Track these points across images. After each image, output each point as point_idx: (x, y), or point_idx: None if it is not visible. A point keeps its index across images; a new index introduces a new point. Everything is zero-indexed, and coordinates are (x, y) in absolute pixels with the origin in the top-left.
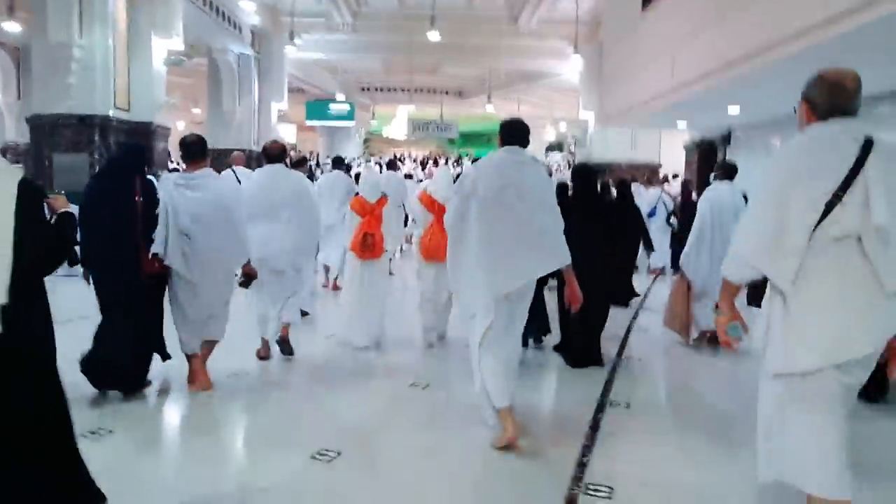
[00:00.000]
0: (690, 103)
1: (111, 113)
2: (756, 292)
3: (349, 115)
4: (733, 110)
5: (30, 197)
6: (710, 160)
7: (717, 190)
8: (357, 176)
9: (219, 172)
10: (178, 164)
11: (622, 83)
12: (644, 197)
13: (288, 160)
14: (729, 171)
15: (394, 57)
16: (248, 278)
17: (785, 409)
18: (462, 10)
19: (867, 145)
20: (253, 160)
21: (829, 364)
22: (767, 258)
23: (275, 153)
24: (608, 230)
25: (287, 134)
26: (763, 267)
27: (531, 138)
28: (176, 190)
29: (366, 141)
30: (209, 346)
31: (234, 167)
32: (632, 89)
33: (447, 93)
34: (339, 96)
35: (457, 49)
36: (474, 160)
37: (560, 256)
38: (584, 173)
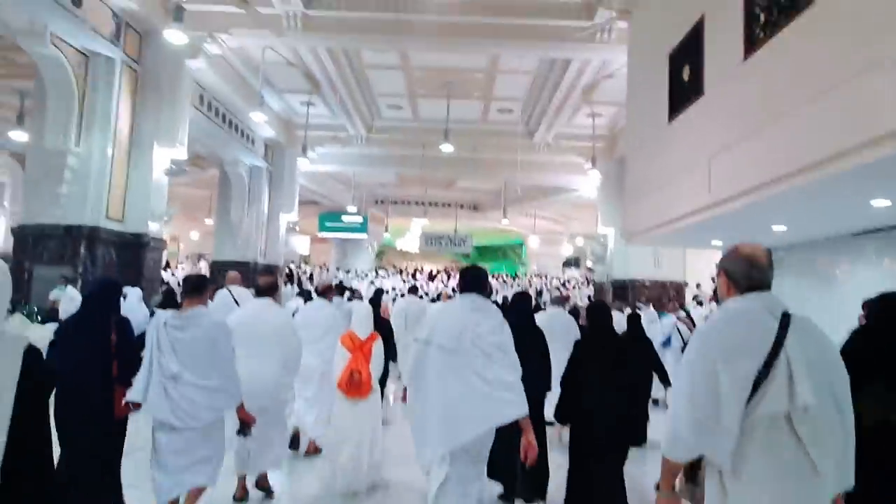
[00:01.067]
0: (728, 221)
1: (101, 223)
2: (692, 471)
3: (362, 228)
4: (778, 229)
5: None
6: None
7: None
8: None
9: (219, 288)
10: (174, 275)
11: (647, 199)
12: (658, 325)
13: (295, 281)
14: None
15: (408, 170)
16: (245, 424)
17: None
18: (477, 125)
19: (784, 321)
20: (258, 273)
21: None
22: (706, 438)
23: (264, 287)
24: (623, 377)
25: (300, 245)
26: (703, 447)
27: (549, 252)
28: (165, 330)
29: (379, 254)
30: (196, 492)
31: (230, 287)
32: (659, 205)
33: (462, 206)
34: (352, 208)
35: (471, 163)
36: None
37: (516, 407)
38: (599, 314)
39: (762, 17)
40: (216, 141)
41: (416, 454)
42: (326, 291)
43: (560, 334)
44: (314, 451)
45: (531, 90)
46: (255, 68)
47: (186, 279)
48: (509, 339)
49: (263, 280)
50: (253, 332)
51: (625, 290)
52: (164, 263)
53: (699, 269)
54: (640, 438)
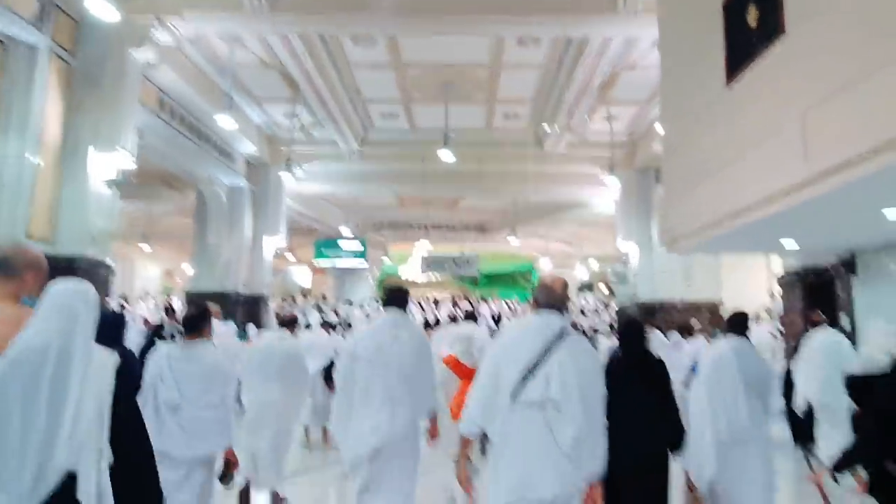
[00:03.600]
0: (824, 205)
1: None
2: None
3: (361, 254)
4: (894, 214)
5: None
6: (821, 298)
7: (721, 349)
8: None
9: None
10: (123, 306)
11: (696, 192)
12: (684, 349)
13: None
14: (736, 323)
15: (407, 189)
16: (230, 466)
17: None
18: (481, 134)
19: (560, 335)
20: (239, 305)
21: (514, 501)
22: (488, 417)
23: (285, 321)
24: (659, 400)
25: (301, 277)
26: (485, 424)
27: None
28: (168, 361)
29: (381, 282)
30: None
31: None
32: (715, 197)
33: (468, 228)
34: (346, 230)
35: (475, 177)
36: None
37: (426, 406)
38: (632, 330)
39: None
40: (185, 156)
41: (344, 462)
42: (289, 323)
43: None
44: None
45: (540, 88)
46: (224, 68)
47: (185, 316)
48: (427, 348)
49: (286, 317)
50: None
51: (653, 314)
52: (116, 295)
53: (737, 286)
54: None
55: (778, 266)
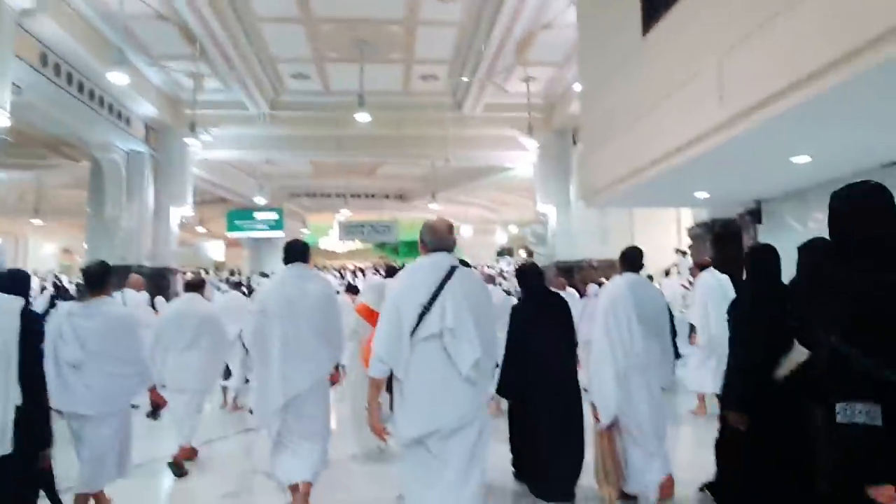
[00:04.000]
0: (736, 150)
1: None
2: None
3: (278, 225)
4: (800, 160)
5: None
6: (728, 247)
7: (617, 285)
8: None
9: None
10: None
11: (613, 144)
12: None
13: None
14: (630, 259)
15: (322, 154)
16: (156, 407)
17: (409, 468)
18: (398, 97)
19: (451, 272)
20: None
21: (425, 432)
22: (394, 356)
23: (192, 284)
24: (562, 327)
25: (214, 251)
26: (392, 363)
27: (483, 242)
28: (68, 319)
29: None
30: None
31: (125, 290)
32: (631, 148)
33: (387, 196)
34: (260, 199)
35: (394, 142)
36: None
37: (336, 355)
38: (527, 270)
39: None
40: (75, 118)
41: (257, 413)
42: (196, 286)
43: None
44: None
45: (458, 48)
46: (114, 19)
47: (86, 271)
48: (333, 300)
49: (193, 279)
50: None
51: (571, 272)
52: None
53: (650, 243)
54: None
55: (688, 222)
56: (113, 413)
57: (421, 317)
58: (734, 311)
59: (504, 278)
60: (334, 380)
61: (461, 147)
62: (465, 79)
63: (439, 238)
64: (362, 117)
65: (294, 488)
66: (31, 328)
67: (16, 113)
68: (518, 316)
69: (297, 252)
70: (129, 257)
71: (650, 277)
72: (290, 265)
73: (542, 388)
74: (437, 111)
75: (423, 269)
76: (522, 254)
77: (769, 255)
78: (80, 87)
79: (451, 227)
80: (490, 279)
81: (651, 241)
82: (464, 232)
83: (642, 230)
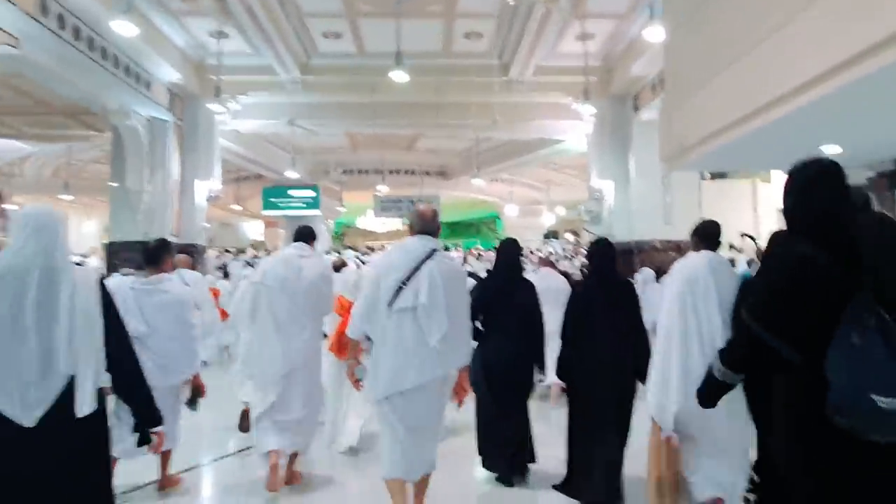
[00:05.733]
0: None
1: None
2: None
3: (314, 203)
4: None
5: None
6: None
7: (694, 264)
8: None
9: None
10: None
11: (712, 85)
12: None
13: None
14: (709, 234)
15: (357, 122)
16: (197, 392)
17: (380, 421)
18: (439, 59)
19: (430, 254)
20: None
21: (392, 392)
22: (368, 322)
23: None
24: (622, 313)
25: (252, 231)
26: (367, 328)
27: (530, 224)
28: (132, 293)
29: (340, 235)
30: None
31: (180, 270)
32: (738, 89)
33: (428, 173)
34: (292, 173)
35: (434, 110)
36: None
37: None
38: (601, 250)
39: None
40: (85, 78)
41: (251, 383)
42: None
43: (553, 293)
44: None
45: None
46: None
47: (144, 249)
48: (329, 279)
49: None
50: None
51: (630, 255)
52: None
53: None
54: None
55: (768, 200)
56: (173, 385)
57: (398, 291)
58: None
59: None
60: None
61: (508, 116)
62: (511, 2)
63: (425, 222)
64: (399, 76)
65: (274, 456)
66: (109, 299)
67: (16, 70)
68: (577, 298)
69: (303, 234)
70: (152, 233)
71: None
72: (293, 244)
73: (591, 378)
74: (482, 75)
75: (407, 248)
76: (569, 237)
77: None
78: (91, 44)
79: (435, 214)
80: (548, 262)
81: (722, 221)
82: (508, 211)
83: (712, 208)
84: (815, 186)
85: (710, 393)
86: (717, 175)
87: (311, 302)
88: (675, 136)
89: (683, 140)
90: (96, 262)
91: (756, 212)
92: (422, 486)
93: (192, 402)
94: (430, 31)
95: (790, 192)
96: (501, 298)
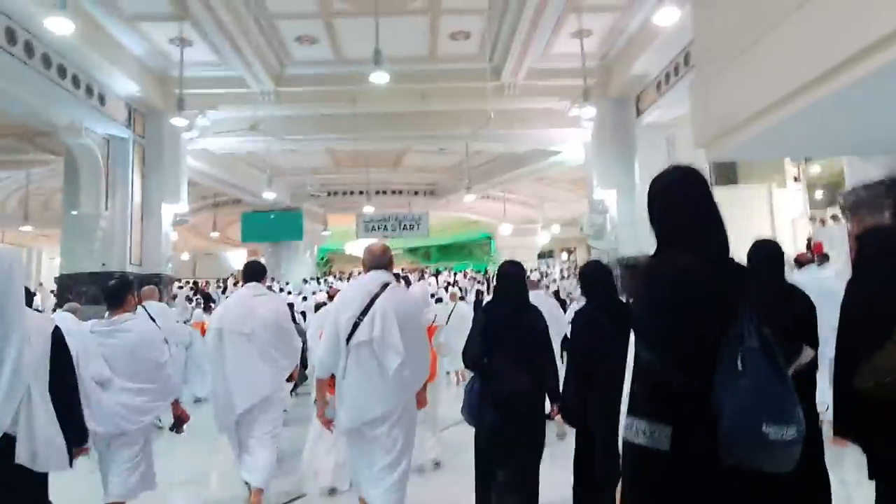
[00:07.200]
0: None
1: None
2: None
3: (297, 233)
4: None
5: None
6: None
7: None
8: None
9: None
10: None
11: (757, 53)
12: None
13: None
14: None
15: (337, 137)
16: (180, 421)
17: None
18: (423, 63)
19: (383, 287)
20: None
21: (357, 423)
22: (333, 358)
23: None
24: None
25: (236, 260)
26: (332, 366)
27: (523, 244)
28: (92, 337)
29: (326, 261)
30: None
31: (146, 303)
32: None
33: (416, 193)
34: (269, 194)
35: (419, 120)
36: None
37: (288, 368)
38: (598, 275)
39: None
40: (28, 91)
41: (217, 421)
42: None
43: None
44: None
45: None
46: None
47: (104, 289)
48: (286, 316)
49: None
50: None
51: (637, 271)
52: None
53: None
54: None
55: (786, 207)
56: (140, 429)
57: (355, 326)
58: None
59: (547, 277)
60: (292, 377)
61: (500, 124)
62: None
63: (375, 258)
64: (379, 77)
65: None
66: (62, 349)
67: None
68: (582, 328)
69: (255, 273)
70: (110, 262)
71: None
72: (246, 285)
73: (607, 418)
74: (471, 79)
75: (362, 284)
76: (564, 256)
77: None
78: (29, 50)
79: (385, 250)
80: (535, 285)
81: (737, 230)
82: (502, 231)
83: (724, 216)
84: (676, 190)
85: None
86: (727, 179)
87: (271, 340)
88: (710, 116)
89: (723, 121)
90: (47, 300)
91: (773, 218)
92: None
93: (175, 427)
94: (413, 31)
95: (653, 199)
96: (509, 328)
